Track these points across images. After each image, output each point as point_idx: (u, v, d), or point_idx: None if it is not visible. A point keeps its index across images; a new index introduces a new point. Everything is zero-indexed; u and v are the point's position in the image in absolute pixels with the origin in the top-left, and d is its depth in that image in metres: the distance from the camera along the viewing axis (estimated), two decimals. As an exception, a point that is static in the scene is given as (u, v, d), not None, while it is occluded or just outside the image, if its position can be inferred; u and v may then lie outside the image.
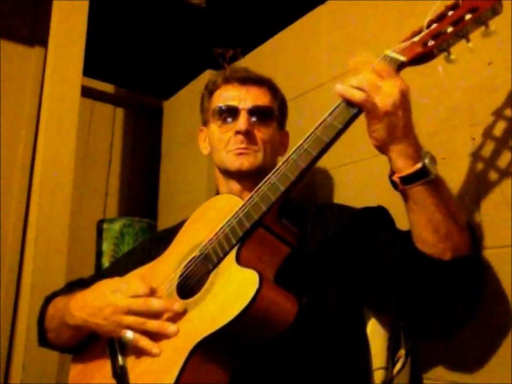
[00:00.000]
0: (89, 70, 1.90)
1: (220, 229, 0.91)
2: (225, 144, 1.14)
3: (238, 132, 1.12)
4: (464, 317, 1.00)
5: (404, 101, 0.79)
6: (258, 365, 0.90)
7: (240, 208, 0.90)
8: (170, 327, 0.86)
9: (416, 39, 0.81)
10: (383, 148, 0.83)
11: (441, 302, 0.89)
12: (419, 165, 0.80)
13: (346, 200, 1.18)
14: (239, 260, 0.85)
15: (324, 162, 1.50)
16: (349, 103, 0.82)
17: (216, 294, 0.85)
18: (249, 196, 0.90)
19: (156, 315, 0.88)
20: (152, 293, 0.91)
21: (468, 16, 0.75)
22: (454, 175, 1.12)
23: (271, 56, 1.80)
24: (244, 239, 0.87)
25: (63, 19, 1.78)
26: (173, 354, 0.83)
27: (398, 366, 1.05)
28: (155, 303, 0.88)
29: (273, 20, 1.83)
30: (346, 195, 1.40)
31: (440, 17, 0.78)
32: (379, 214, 1.05)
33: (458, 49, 1.18)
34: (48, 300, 1.14)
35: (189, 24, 2.12)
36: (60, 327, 1.04)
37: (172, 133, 2.27)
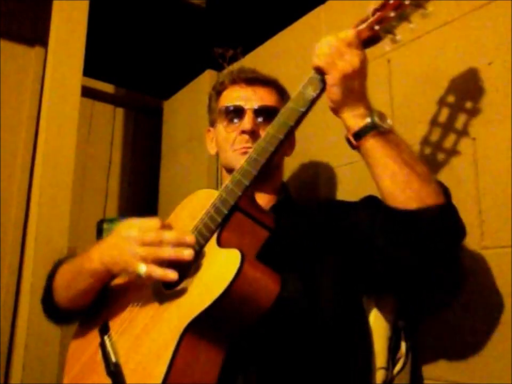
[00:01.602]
0: (89, 70, 1.90)
1: (199, 220, 0.93)
2: (231, 144, 1.16)
3: (243, 131, 1.14)
4: (444, 274, 0.96)
5: (363, 69, 0.88)
6: (254, 361, 0.90)
7: (216, 198, 0.93)
8: (186, 251, 0.86)
9: (364, 25, 0.90)
10: (337, 109, 0.91)
11: (416, 254, 0.88)
12: (368, 120, 0.88)
13: (349, 198, 1.19)
14: (220, 244, 0.88)
15: (328, 160, 1.51)
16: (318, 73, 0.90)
17: (201, 277, 0.86)
18: (224, 185, 0.94)
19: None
20: (165, 226, 0.92)
21: (407, 2, 0.84)
22: (454, 175, 1.12)
23: (271, 56, 1.80)
24: (223, 224, 0.89)
25: (63, 19, 1.78)
26: (164, 341, 0.84)
27: (399, 366, 1.05)
28: (167, 234, 0.89)
29: (273, 20, 1.83)
30: (349, 193, 1.40)
31: (383, 6, 0.87)
32: (367, 199, 1.07)
33: (458, 48, 1.18)
34: (58, 263, 1.14)
35: (189, 24, 2.12)
36: (75, 277, 1.03)
37: (172, 133, 2.27)
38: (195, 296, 0.85)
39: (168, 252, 0.87)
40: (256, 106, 1.16)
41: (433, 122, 1.21)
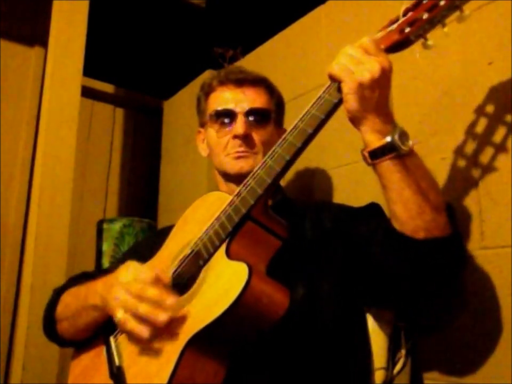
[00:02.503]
0: (89, 70, 1.90)
1: (210, 225, 0.91)
2: (223, 148, 1.15)
3: (235, 136, 1.12)
4: (442, 301, 0.95)
5: (383, 78, 0.80)
6: (255, 364, 0.90)
7: (228, 204, 0.90)
8: (160, 316, 0.82)
9: (393, 27, 0.83)
10: (354, 120, 0.84)
11: (416, 282, 0.87)
12: (387, 139, 0.81)
13: (345, 200, 1.19)
14: (229, 254, 0.85)
15: (323, 163, 1.50)
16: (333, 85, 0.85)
17: (207, 289, 0.85)
18: (237, 191, 0.91)
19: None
20: (156, 281, 0.87)
21: (442, 2, 0.77)
22: (454, 175, 1.12)
23: (271, 56, 1.80)
24: (233, 233, 0.87)
25: (63, 19, 1.78)
26: (167, 351, 0.83)
27: (398, 366, 1.05)
28: (149, 292, 0.85)
29: (273, 20, 1.83)
30: (345, 196, 1.40)
31: (416, 5, 0.80)
32: (370, 208, 1.05)
33: (458, 48, 1.18)
34: (58, 292, 1.13)
35: (189, 24, 2.12)
36: (78, 312, 1.02)
37: (172, 133, 2.27)
38: (200, 309, 0.84)
39: (144, 310, 0.83)
40: (247, 109, 1.14)
41: (433, 122, 1.21)
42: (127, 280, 0.88)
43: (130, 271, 0.91)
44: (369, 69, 0.80)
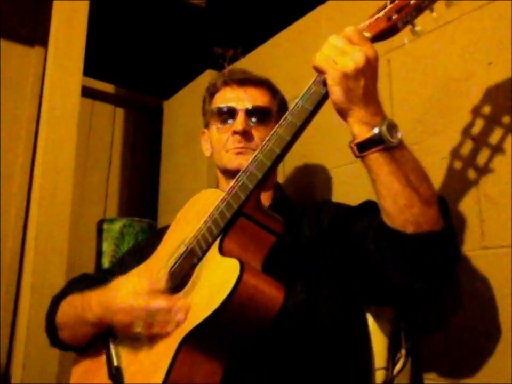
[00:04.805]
0: (89, 70, 1.89)
1: (203, 223, 0.92)
2: (223, 144, 1.16)
3: (235, 132, 1.13)
4: (439, 297, 0.95)
5: (368, 67, 0.79)
6: (254, 363, 0.90)
7: (221, 200, 0.91)
8: (179, 317, 0.85)
9: (380, 14, 0.81)
10: (341, 111, 0.82)
11: (410, 277, 0.87)
12: (374, 131, 0.78)
13: (344, 200, 1.19)
14: (222, 251, 0.85)
15: (323, 162, 1.50)
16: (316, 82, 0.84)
17: (201, 286, 0.86)
18: (229, 187, 0.91)
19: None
20: (153, 289, 0.90)
21: None
22: (454, 175, 1.12)
23: (271, 56, 1.80)
24: (225, 230, 0.87)
25: (63, 19, 1.78)
26: (163, 350, 0.84)
27: (399, 366, 1.05)
28: (155, 303, 0.87)
29: (273, 20, 1.83)
30: (345, 195, 1.40)
31: None
32: (365, 206, 1.04)
33: (458, 48, 1.18)
34: (57, 299, 1.13)
35: (189, 24, 2.12)
36: (77, 324, 1.03)
37: (172, 133, 2.28)
38: (194, 307, 0.84)
39: (161, 318, 0.86)
40: (248, 107, 1.16)
41: (433, 122, 1.21)
42: (127, 299, 0.89)
43: (124, 288, 0.92)
44: (352, 58, 0.78)
